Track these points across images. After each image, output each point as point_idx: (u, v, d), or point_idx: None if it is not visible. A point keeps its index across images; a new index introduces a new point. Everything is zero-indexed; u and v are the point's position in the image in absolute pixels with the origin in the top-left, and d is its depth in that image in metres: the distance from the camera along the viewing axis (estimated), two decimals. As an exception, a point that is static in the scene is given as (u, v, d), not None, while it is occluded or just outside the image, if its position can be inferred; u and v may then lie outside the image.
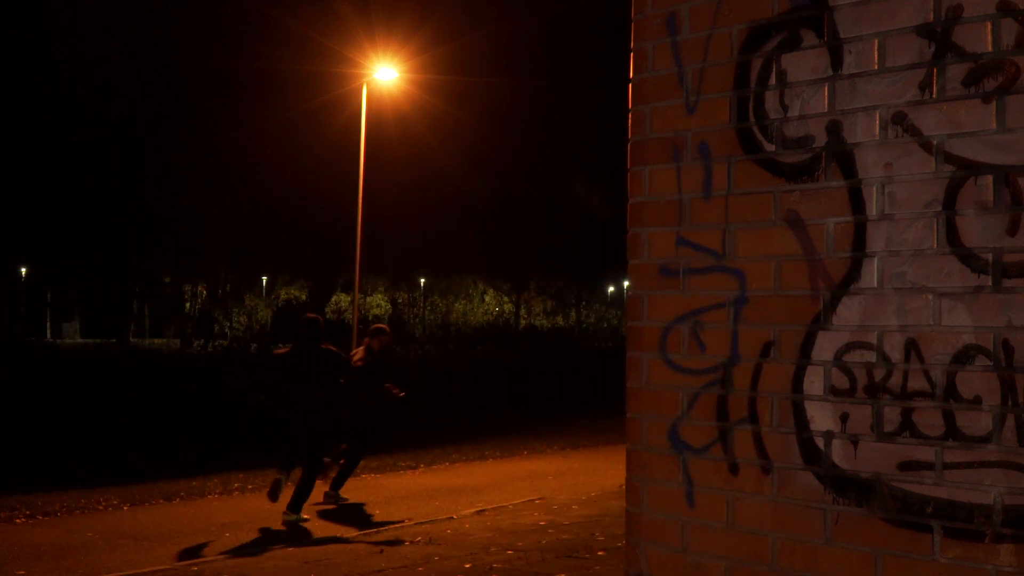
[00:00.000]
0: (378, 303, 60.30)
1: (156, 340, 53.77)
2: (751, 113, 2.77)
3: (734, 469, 2.75)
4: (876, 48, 2.54)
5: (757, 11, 2.77)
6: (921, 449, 2.41)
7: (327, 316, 57.01)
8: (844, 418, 2.54)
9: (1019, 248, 2.29)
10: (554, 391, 27.41)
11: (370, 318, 56.17)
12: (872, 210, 2.53)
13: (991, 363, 2.31)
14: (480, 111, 46.78)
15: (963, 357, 2.36)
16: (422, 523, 9.42)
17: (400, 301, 62.30)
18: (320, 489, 10.17)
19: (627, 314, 3.07)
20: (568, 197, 55.50)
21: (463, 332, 54.90)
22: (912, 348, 2.44)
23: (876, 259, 2.51)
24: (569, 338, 49.02)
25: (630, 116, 3.07)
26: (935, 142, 2.43)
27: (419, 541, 8.36)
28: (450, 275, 59.13)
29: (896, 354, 2.47)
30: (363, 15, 43.08)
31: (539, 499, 10.98)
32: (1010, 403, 2.28)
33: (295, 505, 9.29)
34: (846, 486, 2.53)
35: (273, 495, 9.21)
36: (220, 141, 40.48)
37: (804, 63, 2.68)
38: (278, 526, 9.38)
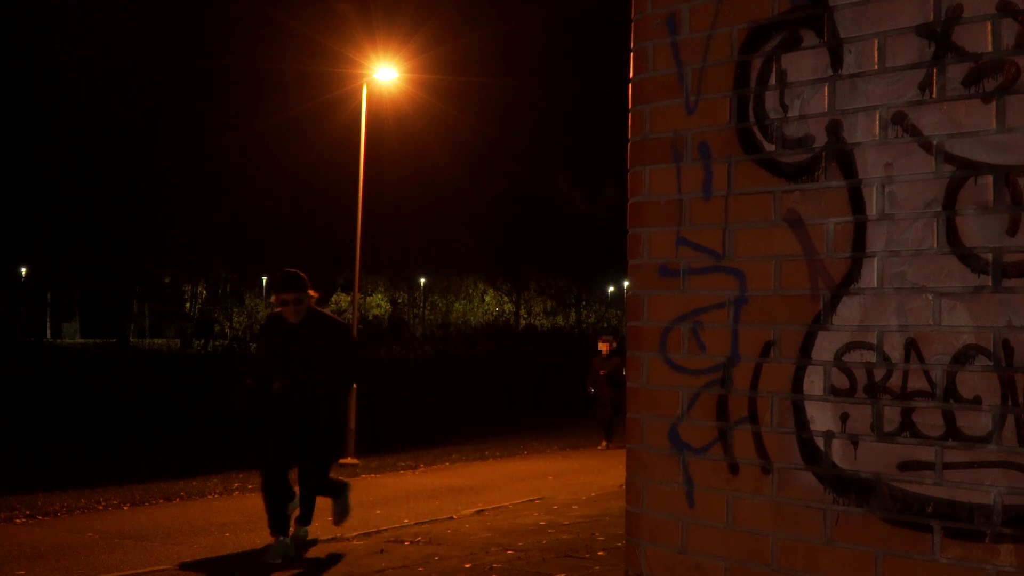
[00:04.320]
0: (378, 303, 60.21)
1: (156, 340, 53.69)
2: (751, 113, 2.77)
3: (734, 469, 2.75)
4: (876, 48, 2.54)
5: (757, 11, 2.77)
6: (921, 449, 2.41)
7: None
8: (844, 418, 2.54)
9: (1019, 248, 2.29)
10: (554, 391, 27.40)
11: (370, 318, 56.09)
12: (872, 210, 2.52)
13: (991, 363, 2.31)
14: (480, 111, 46.71)
15: (963, 357, 2.35)
16: (422, 523, 9.42)
17: (400, 301, 62.22)
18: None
19: (627, 314, 3.07)
20: (568, 197, 55.47)
21: (463, 332, 54.80)
22: (912, 348, 2.44)
23: (876, 259, 2.51)
24: (569, 338, 48.93)
25: (630, 116, 3.07)
26: (935, 142, 2.43)
27: (419, 541, 8.36)
28: (450, 275, 59.05)
29: (896, 354, 2.47)
30: (363, 15, 43.02)
31: (539, 499, 10.97)
32: (1010, 403, 2.28)
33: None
34: (846, 486, 2.53)
35: None
36: (220, 141, 40.43)
37: (804, 63, 2.68)
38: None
